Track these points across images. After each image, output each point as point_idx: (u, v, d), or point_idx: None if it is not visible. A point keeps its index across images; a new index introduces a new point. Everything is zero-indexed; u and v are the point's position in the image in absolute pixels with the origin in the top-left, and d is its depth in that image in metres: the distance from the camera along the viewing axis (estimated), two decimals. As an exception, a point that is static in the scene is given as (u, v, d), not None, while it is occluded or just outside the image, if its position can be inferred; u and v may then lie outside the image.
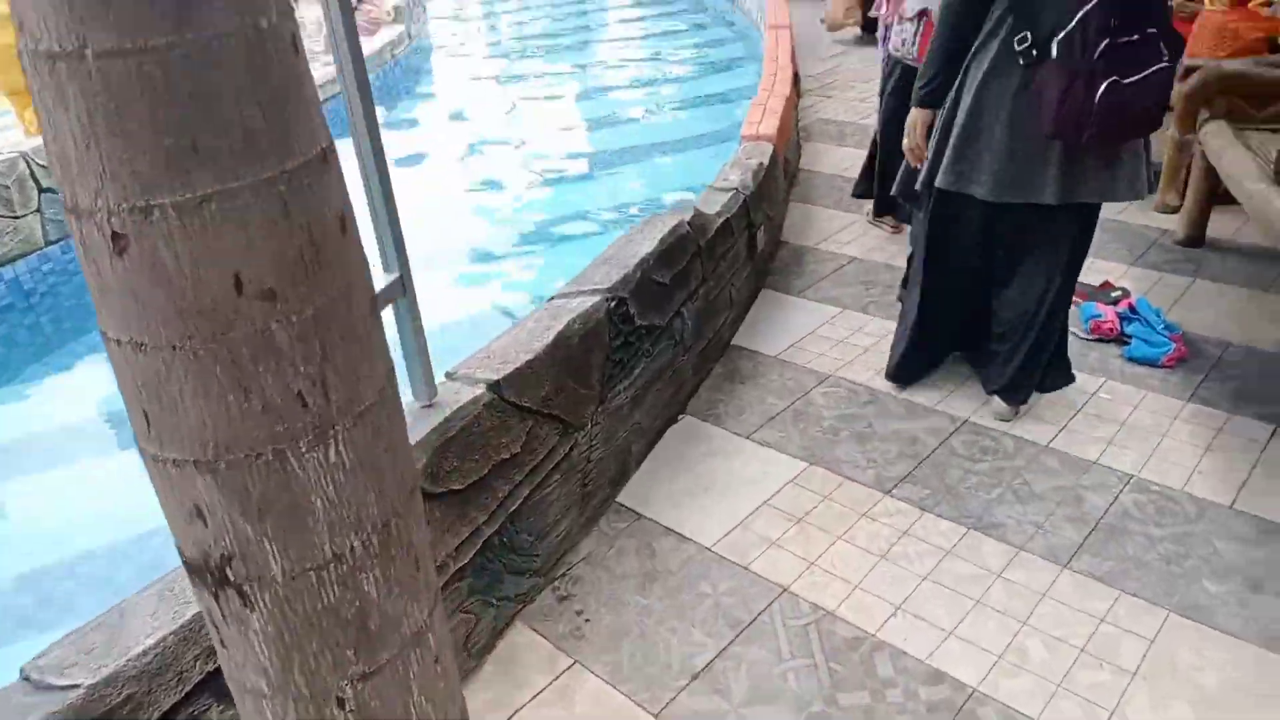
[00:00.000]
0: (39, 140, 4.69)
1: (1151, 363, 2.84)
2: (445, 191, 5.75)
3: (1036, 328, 2.54)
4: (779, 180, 4.12)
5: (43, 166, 4.46)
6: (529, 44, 10.78)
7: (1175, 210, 3.87)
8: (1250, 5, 3.89)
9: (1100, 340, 3.00)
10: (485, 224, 5.39)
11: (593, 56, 9.88)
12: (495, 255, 4.91)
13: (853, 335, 3.26)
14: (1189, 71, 3.65)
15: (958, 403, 2.78)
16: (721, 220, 3.14)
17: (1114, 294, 3.14)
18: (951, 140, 2.39)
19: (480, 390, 1.98)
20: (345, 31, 1.52)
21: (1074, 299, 3.17)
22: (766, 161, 3.72)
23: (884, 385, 2.91)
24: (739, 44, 8.85)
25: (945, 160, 2.42)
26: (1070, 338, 3.02)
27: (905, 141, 2.60)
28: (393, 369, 0.93)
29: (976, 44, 2.34)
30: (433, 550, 1.76)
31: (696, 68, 8.60)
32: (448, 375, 2.07)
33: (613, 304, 2.42)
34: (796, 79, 5.96)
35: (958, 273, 2.67)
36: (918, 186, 2.64)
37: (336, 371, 0.83)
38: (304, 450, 0.83)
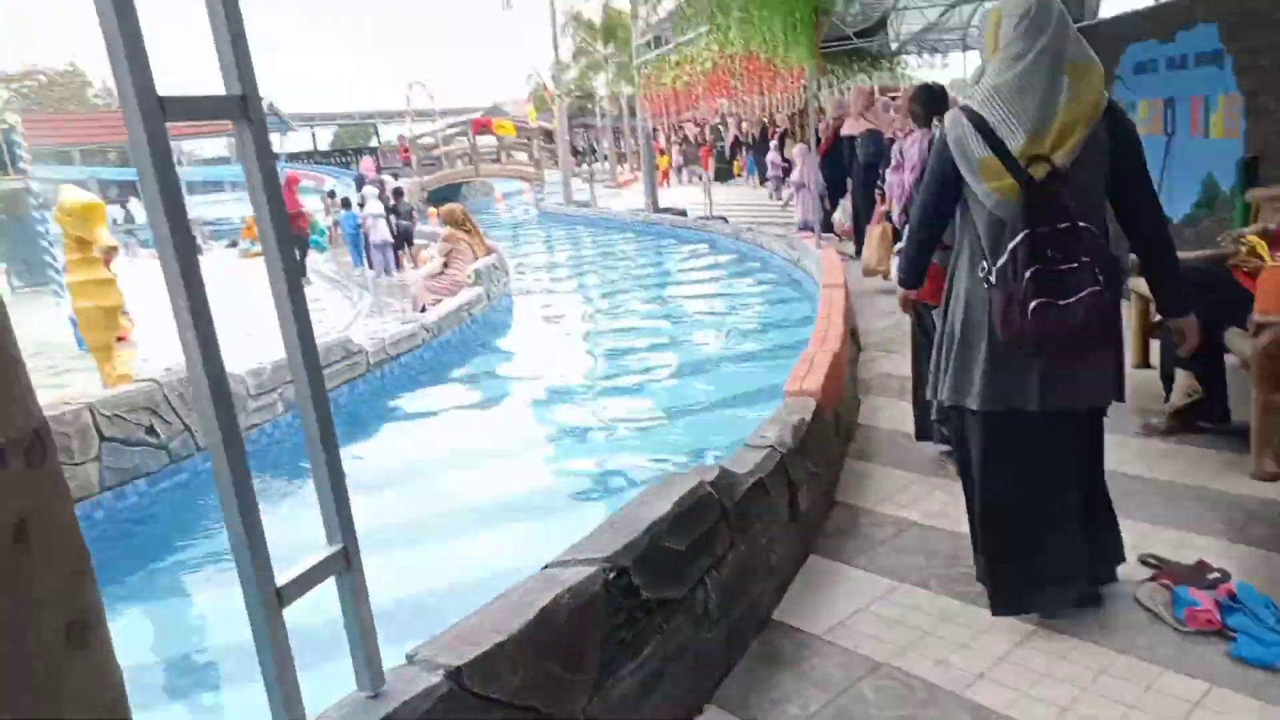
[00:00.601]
0: (110, 391, 4.91)
1: (1266, 666, 2.35)
2: (495, 442, 5.72)
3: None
4: (828, 437, 3.90)
5: (106, 416, 4.61)
6: (610, 300, 11.33)
7: (1276, 478, 3.45)
8: (1312, 256, 3.67)
9: (1199, 633, 2.53)
10: (532, 478, 5.27)
11: (666, 310, 10.26)
12: (535, 512, 4.72)
13: (909, 614, 2.86)
14: (1260, 328, 3.40)
15: (1034, 705, 2.32)
16: (753, 480, 2.91)
17: (1211, 576, 2.70)
18: (951, 356, 2.66)
19: (437, 679, 1.72)
20: (294, 308, 1.47)
21: (1165, 582, 2.75)
22: (809, 417, 3.53)
23: (946, 680, 2.48)
24: (805, 302, 9.05)
25: (947, 376, 2.67)
26: (1165, 629, 2.58)
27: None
28: (120, 698, 0.70)
29: (964, 266, 2.64)
30: None
31: (762, 323, 8.77)
32: (408, 658, 1.82)
33: (612, 575, 2.16)
34: (855, 334, 5.92)
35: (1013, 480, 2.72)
36: (927, 397, 2.90)
37: (6, 729, 0.62)
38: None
